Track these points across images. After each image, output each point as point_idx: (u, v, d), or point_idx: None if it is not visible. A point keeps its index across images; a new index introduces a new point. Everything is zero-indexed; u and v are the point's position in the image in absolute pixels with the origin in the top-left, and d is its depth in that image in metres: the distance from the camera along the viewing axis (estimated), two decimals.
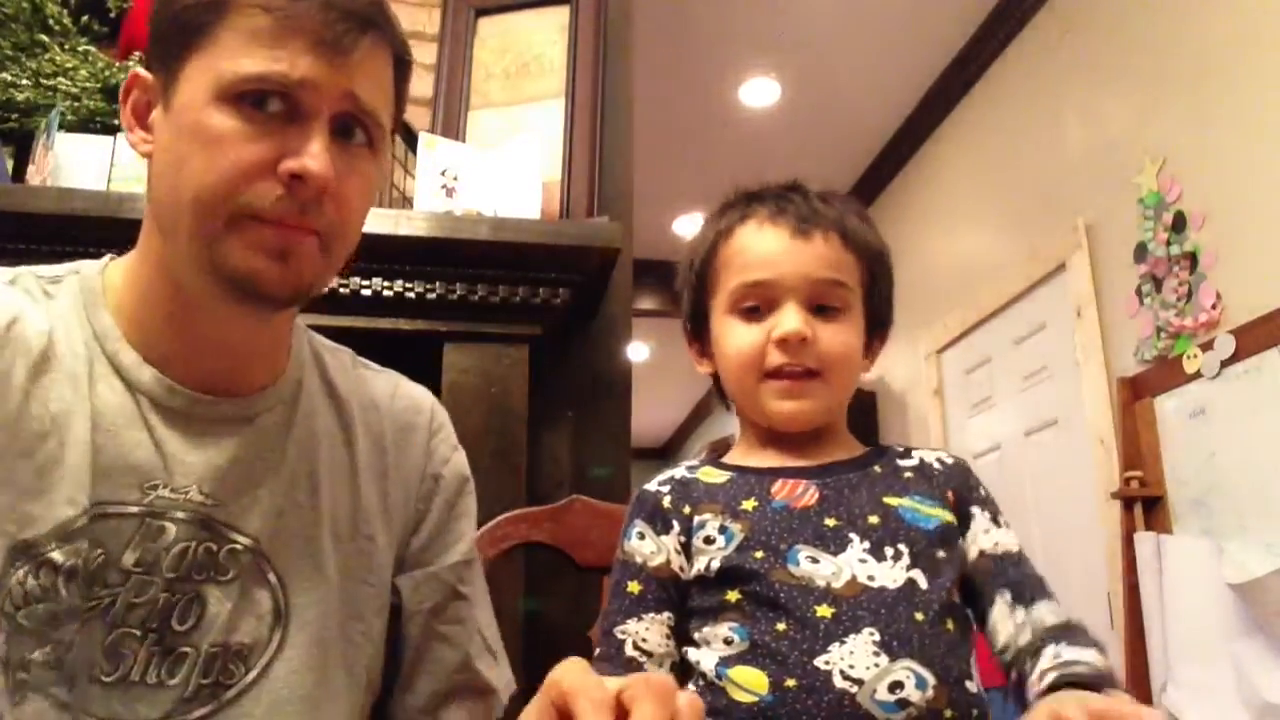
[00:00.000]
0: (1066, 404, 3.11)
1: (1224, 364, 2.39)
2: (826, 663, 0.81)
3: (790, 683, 0.81)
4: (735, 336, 0.94)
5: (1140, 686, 2.52)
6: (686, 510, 0.92)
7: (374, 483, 0.85)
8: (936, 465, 0.95)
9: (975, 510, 0.93)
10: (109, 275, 0.79)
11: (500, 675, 0.91)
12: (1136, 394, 2.71)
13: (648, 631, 0.89)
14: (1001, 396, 3.52)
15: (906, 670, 0.81)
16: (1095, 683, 0.77)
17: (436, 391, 1.49)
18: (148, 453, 0.74)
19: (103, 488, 0.72)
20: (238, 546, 0.76)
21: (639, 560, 0.92)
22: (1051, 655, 0.82)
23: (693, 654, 0.88)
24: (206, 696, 0.73)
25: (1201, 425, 2.48)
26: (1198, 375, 2.47)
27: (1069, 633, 0.84)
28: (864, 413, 4.26)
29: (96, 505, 0.72)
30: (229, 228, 0.71)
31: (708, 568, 0.88)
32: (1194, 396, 2.50)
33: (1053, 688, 0.78)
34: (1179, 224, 2.55)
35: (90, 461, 0.72)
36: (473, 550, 0.92)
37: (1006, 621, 0.87)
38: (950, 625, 0.85)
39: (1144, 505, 2.65)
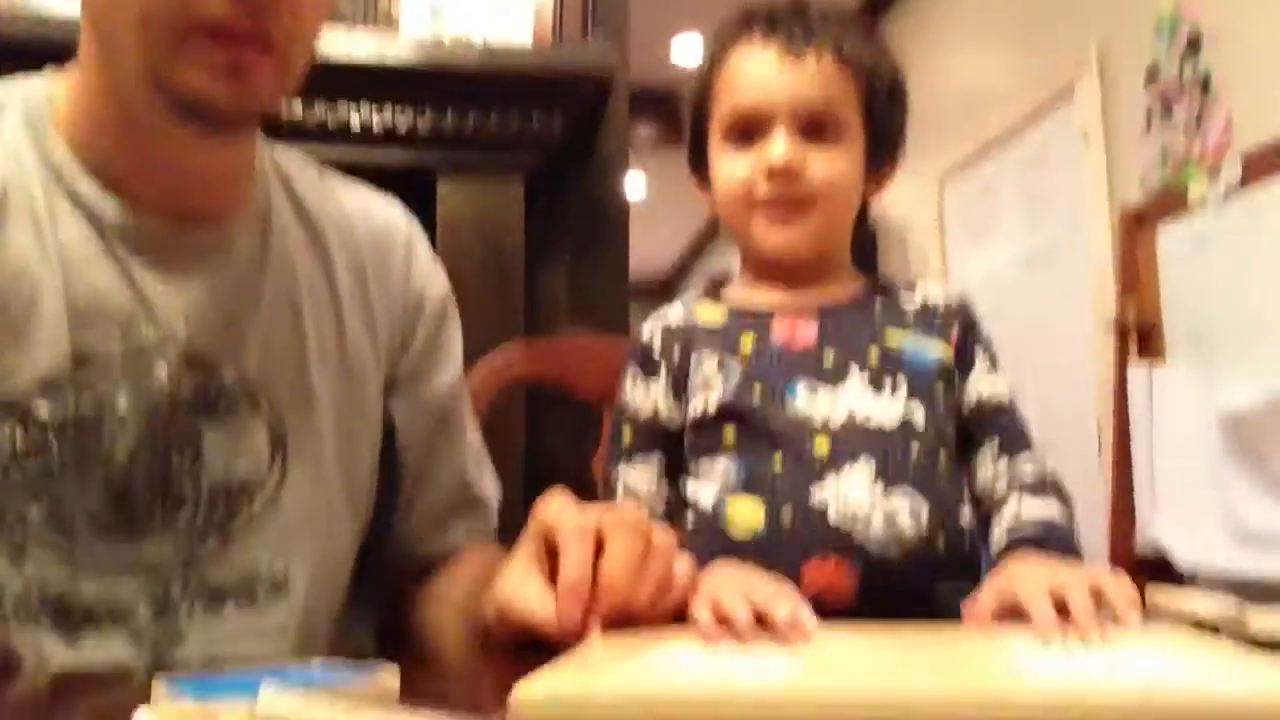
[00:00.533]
0: (1068, 234, 3.08)
1: (1230, 192, 2.35)
2: (821, 496, 0.82)
3: (786, 517, 0.83)
4: (726, 167, 0.92)
5: (1125, 517, 2.59)
6: (678, 355, 0.92)
7: (358, 312, 0.83)
8: (940, 303, 0.94)
9: (977, 352, 0.93)
10: (54, 97, 0.74)
11: (491, 485, 0.93)
12: (1139, 224, 2.68)
13: (638, 477, 0.92)
14: (1003, 226, 3.49)
15: (901, 503, 0.82)
16: (1040, 541, 0.79)
17: (431, 229, 1.48)
18: (124, 292, 0.71)
19: (83, 334, 0.69)
20: (228, 381, 0.74)
21: (630, 407, 0.94)
22: (1011, 515, 0.85)
23: (690, 491, 0.90)
24: (214, 533, 0.73)
25: (1203, 256, 2.47)
26: (1202, 204, 2.44)
27: (1037, 487, 0.86)
28: (864, 243, 4.22)
29: (79, 353, 0.69)
30: (177, 43, 0.65)
31: (705, 408, 0.89)
32: (1197, 226, 2.47)
33: (1004, 551, 0.81)
34: (1194, 44, 2.46)
35: (65, 308, 0.69)
36: (460, 371, 0.91)
37: (988, 471, 0.89)
38: (944, 461, 0.87)
39: (1139, 337, 2.66)
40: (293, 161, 0.86)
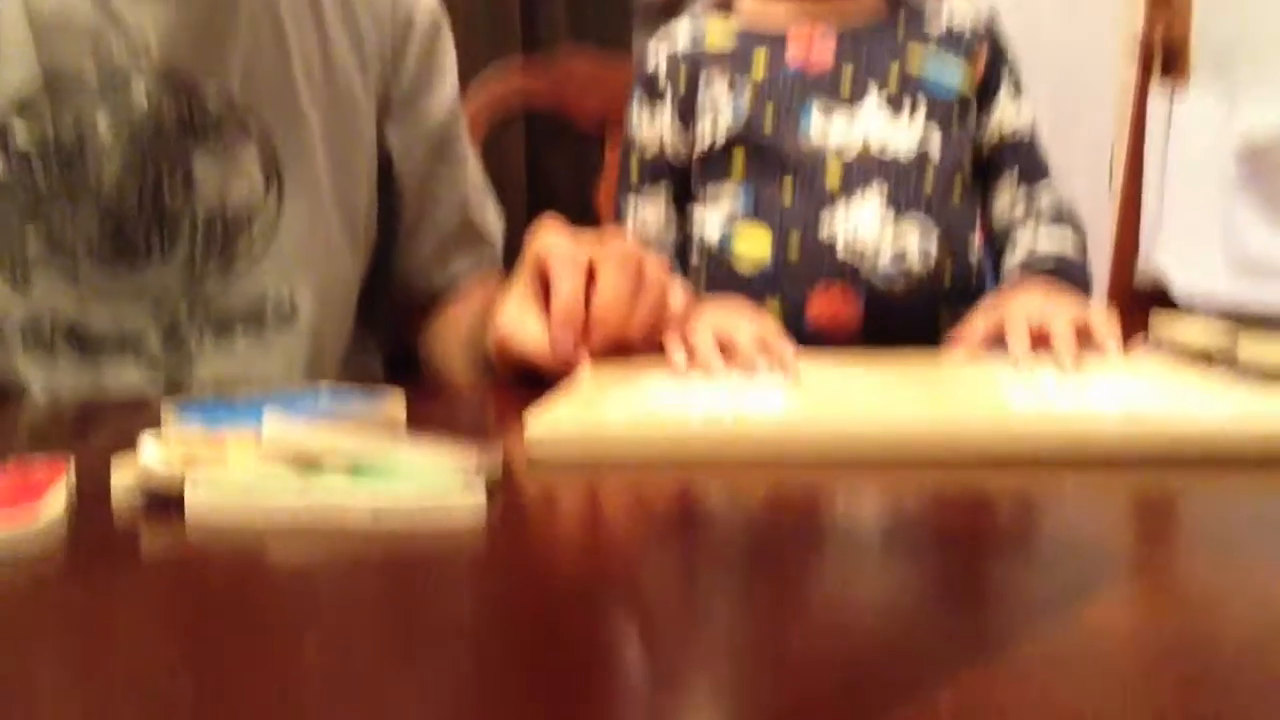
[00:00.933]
0: None
1: None
2: (831, 227, 0.82)
3: (793, 247, 0.82)
4: None
5: (1129, 247, 2.60)
6: (685, 81, 0.89)
7: (343, 28, 0.79)
8: (967, 23, 0.89)
9: (1003, 76, 0.90)
10: None
11: (494, 216, 0.92)
12: None
13: (646, 209, 0.91)
14: None
15: (911, 234, 0.82)
16: (1049, 271, 0.80)
17: None
18: (90, 8, 0.68)
19: (52, 54, 0.67)
20: (212, 102, 0.72)
21: (637, 138, 0.92)
22: (1024, 244, 0.85)
23: (697, 219, 0.89)
24: (215, 263, 0.74)
25: None
26: None
27: (1054, 218, 0.87)
28: None
29: (50, 70, 0.67)
30: None
31: (714, 137, 0.86)
32: None
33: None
34: None
35: (27, 21, 0.67)
36: (456, 95, 0.88)
37: (1006, 198, 0.90)
38: (957, 195, 0.85)
39: (1164, 60, 2.56)
40: None
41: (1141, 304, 2.55)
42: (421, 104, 0.85)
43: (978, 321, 0.70)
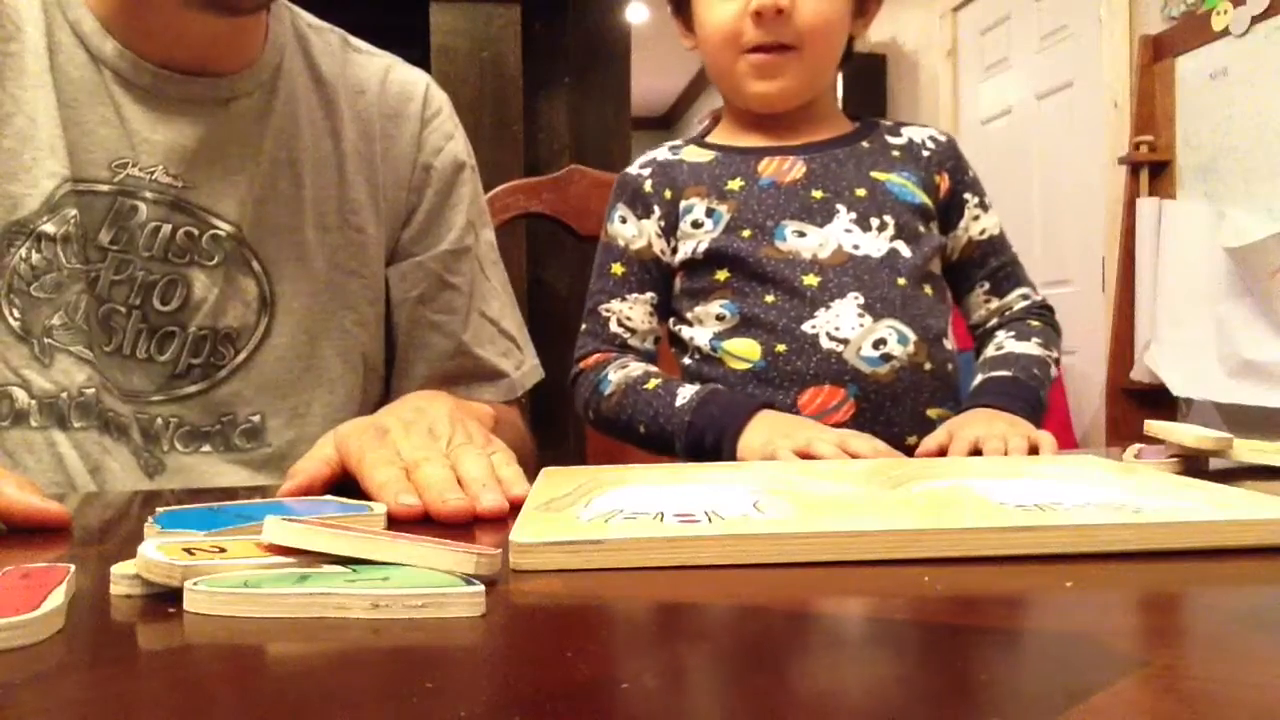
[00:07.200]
0: (1084, 65, 2.99)
1: (1255, 19, 2.27)
2: (814, 327, 0.84)
3: (780, 348, 0.85)
4: (711, 10, 0.89)
5: (1124, 347, 2.62)
6: (668, 194, 0.92)
7: (362, 173, 0.84)
8: (927, 144, 0.94)
9: (967, 195, 0.94)
10: None
11: (514, 361, 0.92)
12: (1158, 54, 2.60)
13: (631, 310, 0.93)
14: (1017, 58, 3.38)
15: (889, 328, 0.85)
16: (1005, 386, 0.85)
17: (426, 57, 1.43)
18: (113, 129, 0.73)
19: (74, 164, 0.72)
20: (220, 233, 0.76)
21: (621, 243, 0.94)
22: (994, 347, 0.91)
23: (686, 332, 0.92)
24: (198, 375, 0.77)
25: (1221, 86, 2.40)
26: (1225, 33, 2.36)
27: (1021, 332, 0.91)
28: (873, 77, 4.11)
29: (72, 180, 0.72)
30: None
31: (695, 251, 0.89)
32: (1218, 56, 2.40)
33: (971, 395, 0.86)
34: None
35: (62, 134, 0.71)
36: (466, 239, 0.89)
37: (981, 311, 0.95)
38: (929, 290, 0.89)
39: (1150, 171, 2.62)
40: (317, 30, 0.86)
41: (1139, 402, 2.56)
42: (427, 246, 0.88)
43: (928, 443, 0.77)
